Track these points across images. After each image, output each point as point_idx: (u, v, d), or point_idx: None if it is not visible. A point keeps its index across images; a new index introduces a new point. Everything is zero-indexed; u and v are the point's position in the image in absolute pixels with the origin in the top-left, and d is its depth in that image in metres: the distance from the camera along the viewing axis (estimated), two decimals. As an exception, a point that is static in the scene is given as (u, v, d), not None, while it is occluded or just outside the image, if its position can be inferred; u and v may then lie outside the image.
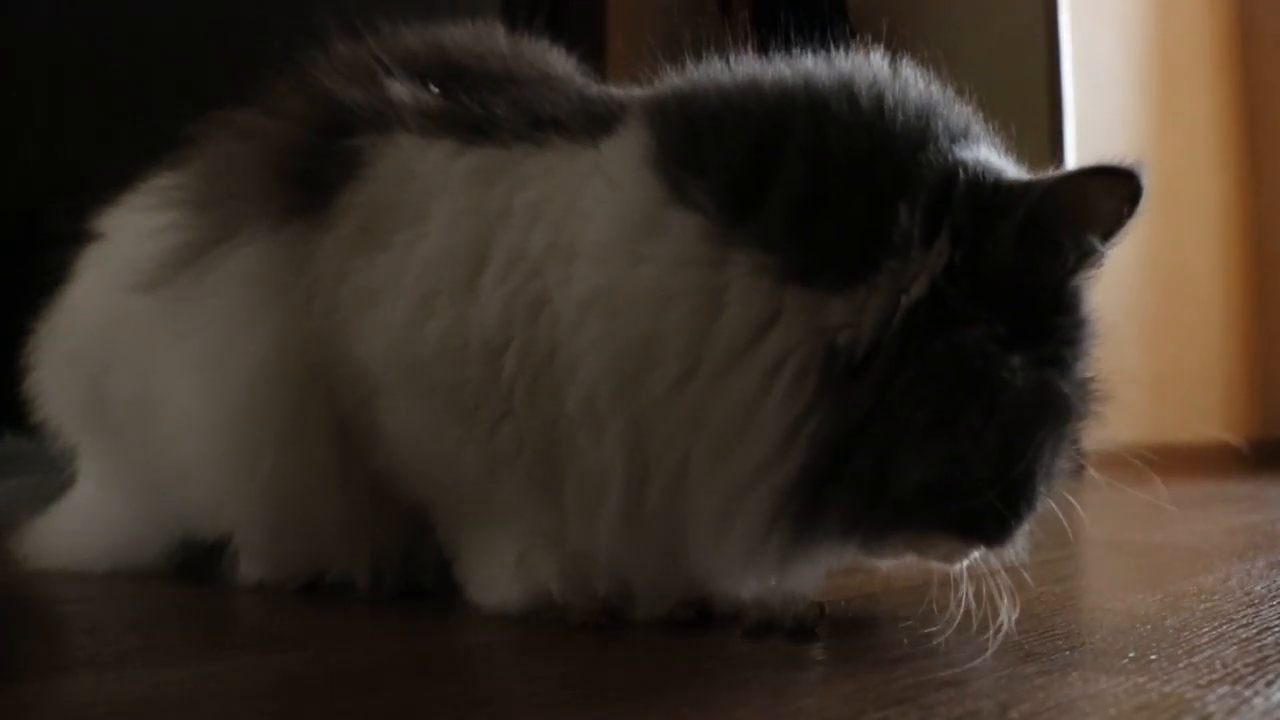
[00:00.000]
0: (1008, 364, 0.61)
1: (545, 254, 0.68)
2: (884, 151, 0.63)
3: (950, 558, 0.68)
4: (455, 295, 0.70)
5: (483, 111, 0.75)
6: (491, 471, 0.71)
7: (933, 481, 0.62)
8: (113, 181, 0.92)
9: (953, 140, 0.64)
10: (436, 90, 0.78)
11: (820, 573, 0.71)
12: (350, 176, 0.75)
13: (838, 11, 2.34)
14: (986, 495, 0.63)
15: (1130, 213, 0.62)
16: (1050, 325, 0.64)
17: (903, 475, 0.61)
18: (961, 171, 0.62)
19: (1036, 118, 2.44)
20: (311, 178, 0.76)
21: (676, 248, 0.64)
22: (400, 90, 0.77)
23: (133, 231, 0.85)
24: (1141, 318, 2.71)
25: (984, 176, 0.63)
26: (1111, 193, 0.62)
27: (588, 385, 0.66)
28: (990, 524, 0.65)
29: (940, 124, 0.65)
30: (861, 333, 0.61)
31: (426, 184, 0.74)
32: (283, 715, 0.51)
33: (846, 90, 0.65)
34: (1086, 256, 0.63)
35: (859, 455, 0.61)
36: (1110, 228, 0.63)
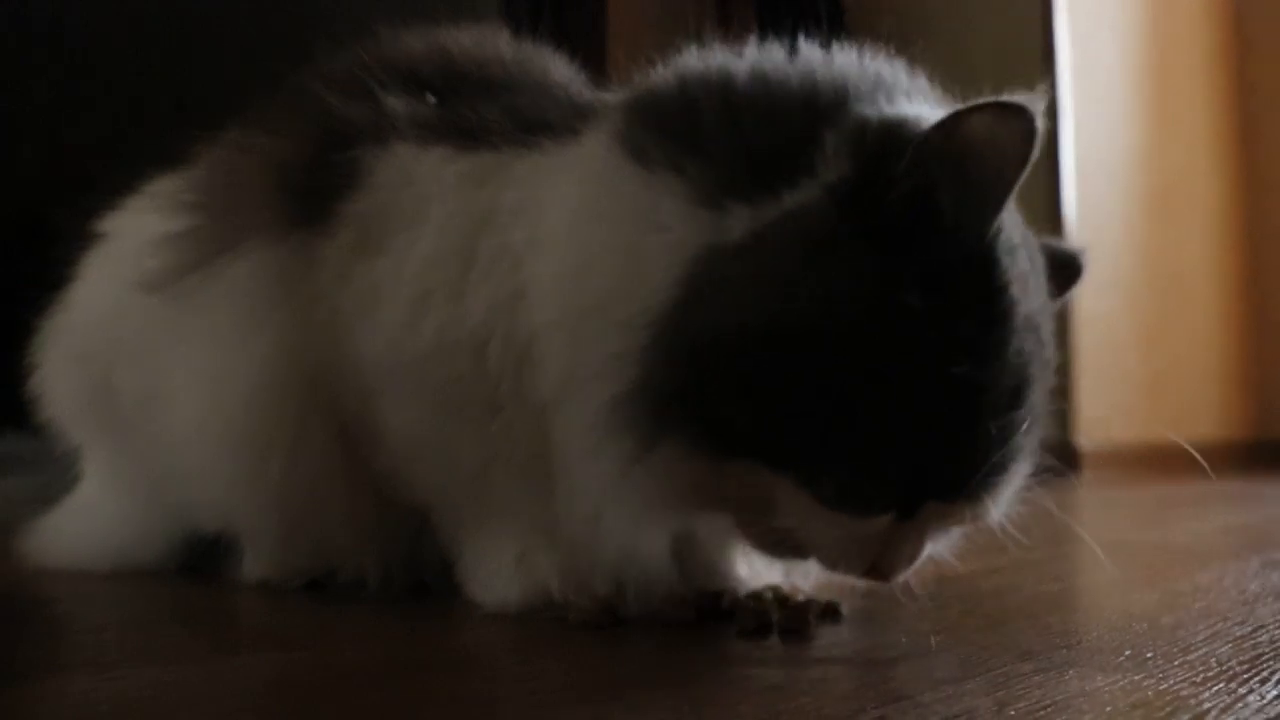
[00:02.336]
0: (887, 304, 0.59)
1: (525, 248, 0.70)
2: (809, 102, 0.64)
3: (800, 530, 0.64)
4: (447, 294, 0.72)
5: (476, 117, 0.76)
6: (487, 468, 0.72)
7: (766, 411, 0.60)
8: (114, 183, 0.93)
9: (888, 97, 0.64)
10: (433, 100, 0.79)
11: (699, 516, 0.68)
12: (350, 186, 0.77)
13: (835, 11, 2.35)
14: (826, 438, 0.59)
15: (1024, 152, 0.58)
16: (951, 284, 0.60)
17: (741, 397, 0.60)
18: (878, 119, 0.62)
19: (1034, 118, 2.45)
20: (312, 189, 0.78)
21: (629, 204, 0.66)
22: (396, 102, 0.79)
23: (139, 232, 0.86)
24: (1140, 318, 2.72)
25: (896, 121, 0.61)
26: (1003, 127, 0.58)
27: (557, 364, 0.67)
28: (830, 479, 0.61)
29: (872, 82, 0.65)
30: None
31: (422, 189, 0.75)
32: (283, 715, 0.52)
33: (779, 60, 0.68)
34: (978, 196, 0.59)
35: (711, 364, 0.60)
36: (1001, 167, 0.58)
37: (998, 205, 0.59)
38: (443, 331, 0.71)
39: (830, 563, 0.65)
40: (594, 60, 0.87)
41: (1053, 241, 0.72)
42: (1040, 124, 0.57)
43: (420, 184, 0.75)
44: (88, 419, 0.93)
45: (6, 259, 1.43)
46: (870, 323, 0.59)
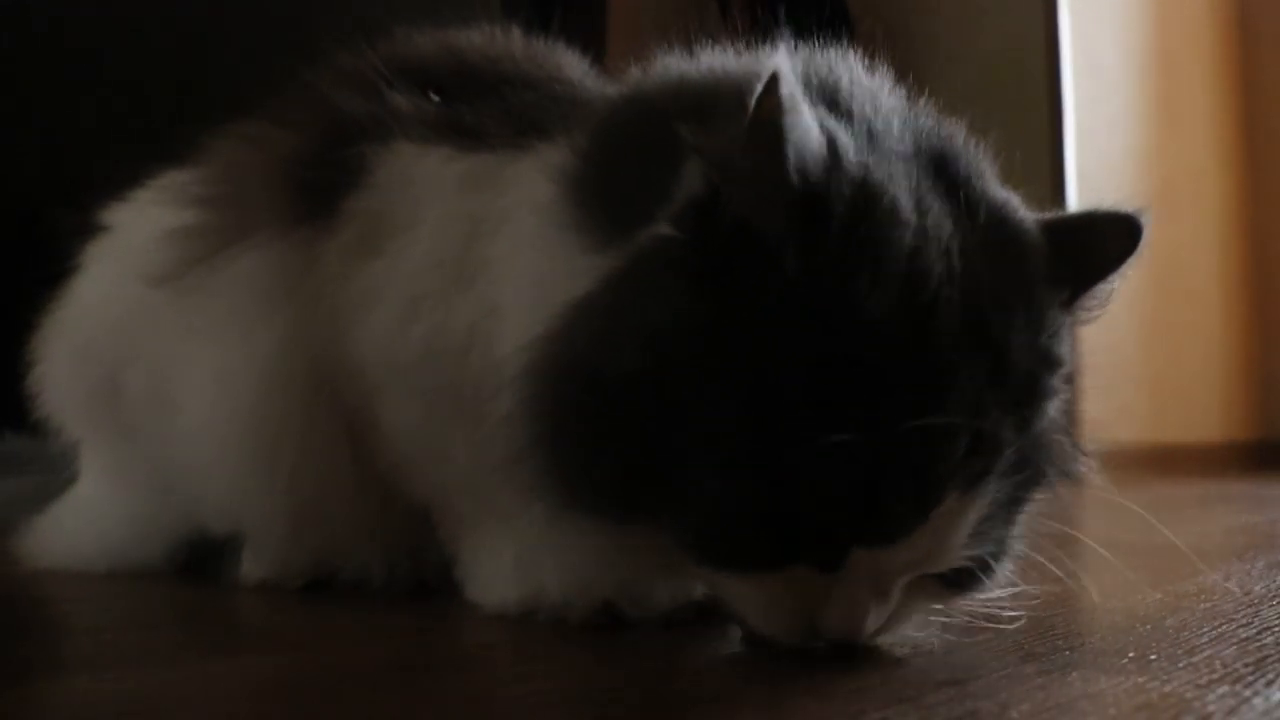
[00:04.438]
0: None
1: (502, 262, 0.70)
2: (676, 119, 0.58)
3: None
4: (436, 301, 0.72)
5: (477, 118, 0.76)
6: (480, 472, 0.71)
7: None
8: (114, 181, 0.93)
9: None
10: (436, 98, 0.79)
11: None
12: (353, 184, 0.77)
13: (839, 13, 2.34)
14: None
15: (757, 157, 0.52)
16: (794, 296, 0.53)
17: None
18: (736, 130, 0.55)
19: (1036, 118, 2.45)
20: (317, 185, 0.78)
21: (545, 248, 0.64)
22: (400, 99, 0.79)
23: (144, 226, 0.86)
24: (1141, 317, 2.71)
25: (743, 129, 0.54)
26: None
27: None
28: (689, 532, 0.55)
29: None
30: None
31: (421, 190, 0.75)
32: (283, 715, 0.51)
33: (678, 71, 0.66)
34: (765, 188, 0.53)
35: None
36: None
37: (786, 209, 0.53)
38: (431, 338, 0.71)
39: (756, 626, 0.58)
40: (593, 59, 0.87)
41: (1093, 211, 0.65)
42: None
43: (419, 185, 0.75)
44: (88, 415, 0.93)
45: (6, 259, 1.43)
46: (696, 356, 0.53)
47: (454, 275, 0.72)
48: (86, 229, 0.93)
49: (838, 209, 0.53)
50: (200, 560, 0.89)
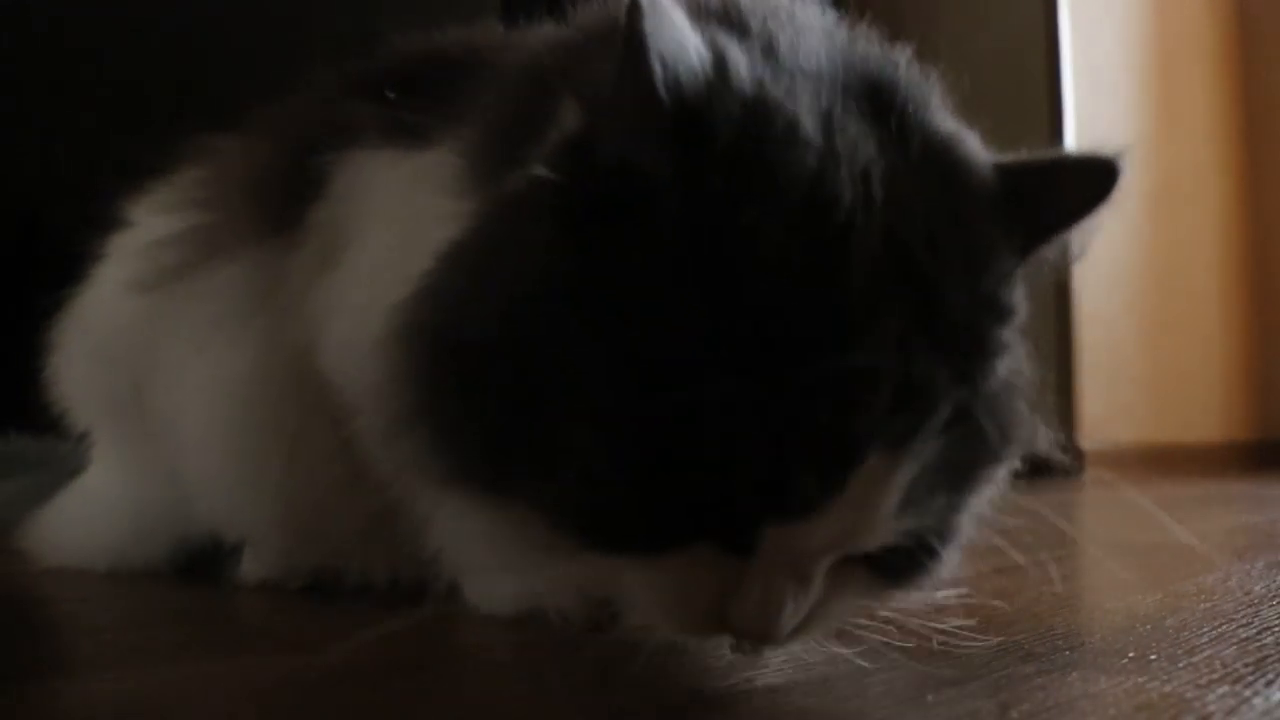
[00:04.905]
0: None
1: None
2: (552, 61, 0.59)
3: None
4: (384, 307, 0.71)
5: (423, 116, 0.72)
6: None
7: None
8: (113, 183, 0.93)
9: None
10: (392, 96, 0.76)
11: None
12: (316, 195, 0.77)
13: (838, 7, 2.34)
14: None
15: (620, 74, 0.48)
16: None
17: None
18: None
19: (1036, 118, 2.45)
20: (286, 197, 0.78)
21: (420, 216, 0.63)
22: (359, 107, 0.78)
23: (157, 224, 0.87)
24: (1141, 318, 2.71)
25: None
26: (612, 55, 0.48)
27: None
28: (557, 508, 0.49)
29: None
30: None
31: (370, 197, 0.75)
32: (283, 715, 0.51)
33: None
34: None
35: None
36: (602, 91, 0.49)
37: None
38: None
39: (654, 619, 0.52)
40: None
41: (1064, 154, 0.60)
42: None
43: (368, 192, 0.75)
44: (98, 411, 0.94)
45: (6, 259, 1.43)
46: (568, 309, 0.47)
47: (398, 278, 0.71)
48: (100, 223, 0.93)
49: (722, 130, 0.47)
50: (201, 560, 0.89)
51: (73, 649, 0.69)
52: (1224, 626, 0.66)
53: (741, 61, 0.49)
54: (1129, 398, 2.59)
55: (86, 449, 0.97)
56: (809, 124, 0.48)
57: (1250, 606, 0.74)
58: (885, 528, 0.48)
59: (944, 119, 0.56)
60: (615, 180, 0.48)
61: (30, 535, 0.95)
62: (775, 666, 0.58)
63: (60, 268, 0.94)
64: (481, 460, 0.50)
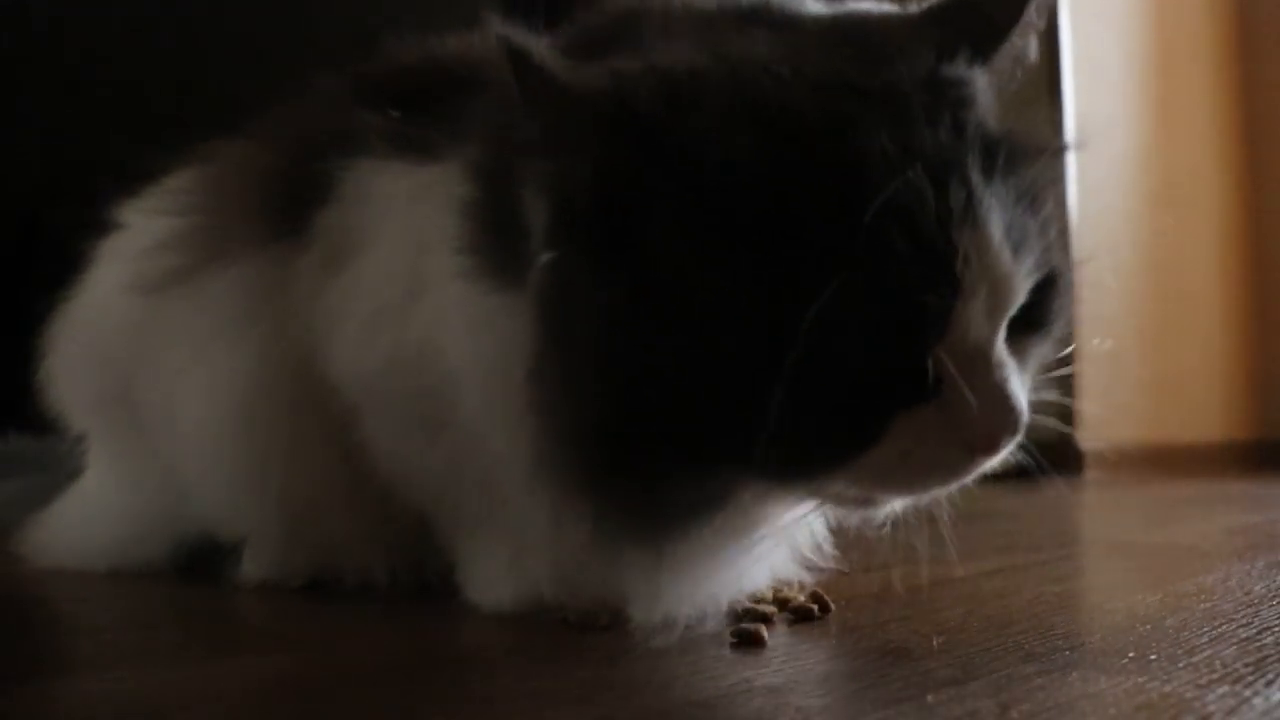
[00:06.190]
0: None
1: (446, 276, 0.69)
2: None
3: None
4: (395, 313, 0.73)
5: (431, 130, 0.75)
6: (457, 479, 0.72)
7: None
8: (113, 184, 0.93)
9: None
10: (396, 114, 0.78)
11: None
12: (321, 200, 0.78)
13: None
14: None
15: (519, 86, 0.55)
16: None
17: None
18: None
19: (1036, 117, 2.44)
20: (290, 202, 0.79)
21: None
22: (367, 116, 0.79)
23: (153, 227, 0.87)
24: (1141, 318, 2.71)
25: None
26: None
27: (470, 405, 0.67)
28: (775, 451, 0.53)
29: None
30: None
31: (378, 206, 0.76)
32: (283, 715, 0.51)
33: None
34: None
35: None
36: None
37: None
38: (392, 350, 0.72)
39: (918, 487, 0.58)
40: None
41: None
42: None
43: (377, 200, 0.76)
44: (95, 412, 0.94)
45: (6, 259, 1.43)
46: (672, 319, 0.54)
47: (407, 288, 0.72)
48: (96, 225, 0.93)
49: (642, 115, 0.54)
50: (201, 560, 0.89)
51: (73, 649, 0.69)
52: (1224, 626, 0.66)
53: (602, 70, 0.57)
54: (1129, 398, 2.59)
55: (84, 450, 0.97)
56: (713, 67, 0.55)
57: (1250, 606, 0.74)
58: (1016, 275, 0.54)
59: (817, 8, 0.62)
60: (612, 213, 0.55)
61: (30, 536, 0.96)
62: (775, 667, 0.58)
63: (60, 268, 0.94)
64: (689, 458, 0.55)
